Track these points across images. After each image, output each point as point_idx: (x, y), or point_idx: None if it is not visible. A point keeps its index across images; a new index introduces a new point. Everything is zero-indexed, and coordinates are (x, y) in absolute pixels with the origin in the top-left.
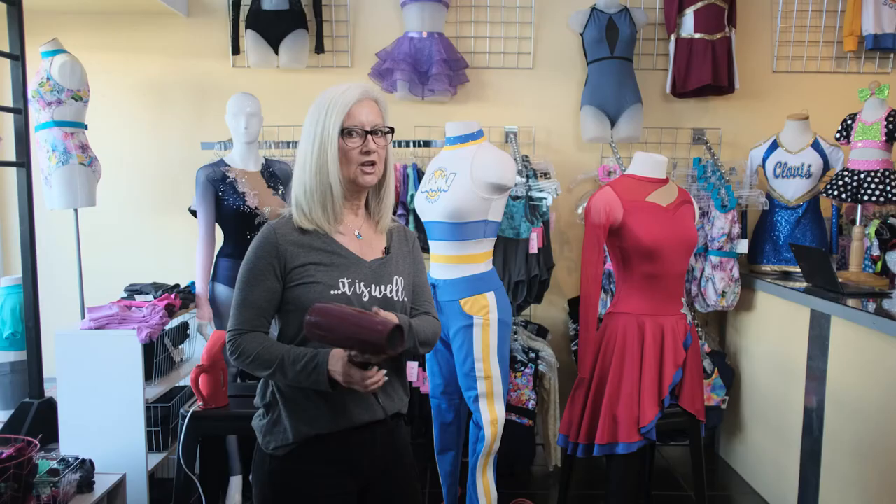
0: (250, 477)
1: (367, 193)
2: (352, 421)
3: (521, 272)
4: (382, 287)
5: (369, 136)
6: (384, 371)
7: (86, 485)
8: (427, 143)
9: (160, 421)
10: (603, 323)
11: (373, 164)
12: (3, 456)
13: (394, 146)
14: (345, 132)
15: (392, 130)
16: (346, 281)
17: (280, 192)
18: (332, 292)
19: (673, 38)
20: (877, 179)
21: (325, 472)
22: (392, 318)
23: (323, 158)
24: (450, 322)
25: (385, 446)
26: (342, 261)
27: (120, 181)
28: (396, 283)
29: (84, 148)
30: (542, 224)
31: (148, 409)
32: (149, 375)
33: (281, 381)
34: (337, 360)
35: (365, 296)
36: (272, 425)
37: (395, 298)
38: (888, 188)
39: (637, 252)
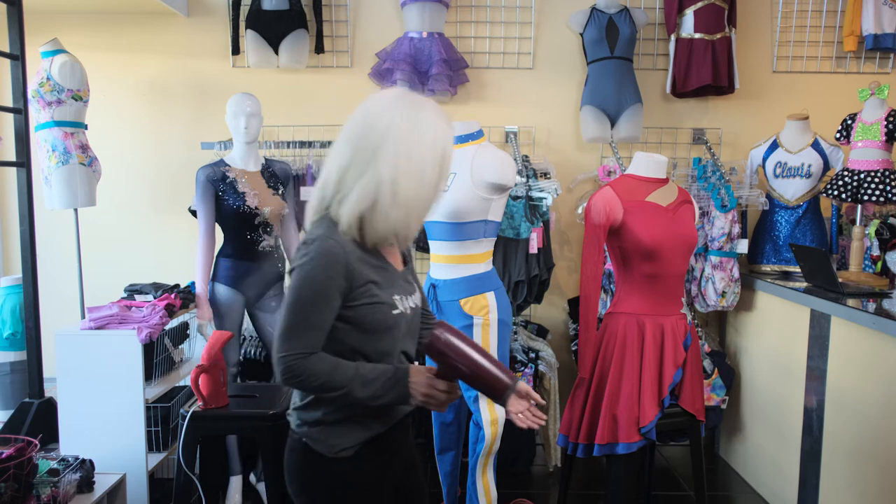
0: (251, 477)
1: None
2: (401, 412)
3: (521, 272)
4: (413, 297)
5: None
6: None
7: (86, 485)
8: None
9: (160, 421)
10: (603, 323)
11: None
12: (3, 456)
13: None
14: None
15: None
16: (397, 297)
17: (280, 192)
18: (393, 312)
19: (673, 38)
20: (877, 179)
21: (385, 465)
22: (508, 371)
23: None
24: (449, 322)
25: (410, 438)
26: (389, 276)
27: (120, 181)
28: (418, 291)
29: (84, 148)
30: (542, 224)
31: (148, 409)
32: (149, 375)
33: (349, 398)
34: (419, 374)
35: (408, 309)
36: (331, 427)
37: (420, 306)
38: (888, 188)
39: (637, 252)
